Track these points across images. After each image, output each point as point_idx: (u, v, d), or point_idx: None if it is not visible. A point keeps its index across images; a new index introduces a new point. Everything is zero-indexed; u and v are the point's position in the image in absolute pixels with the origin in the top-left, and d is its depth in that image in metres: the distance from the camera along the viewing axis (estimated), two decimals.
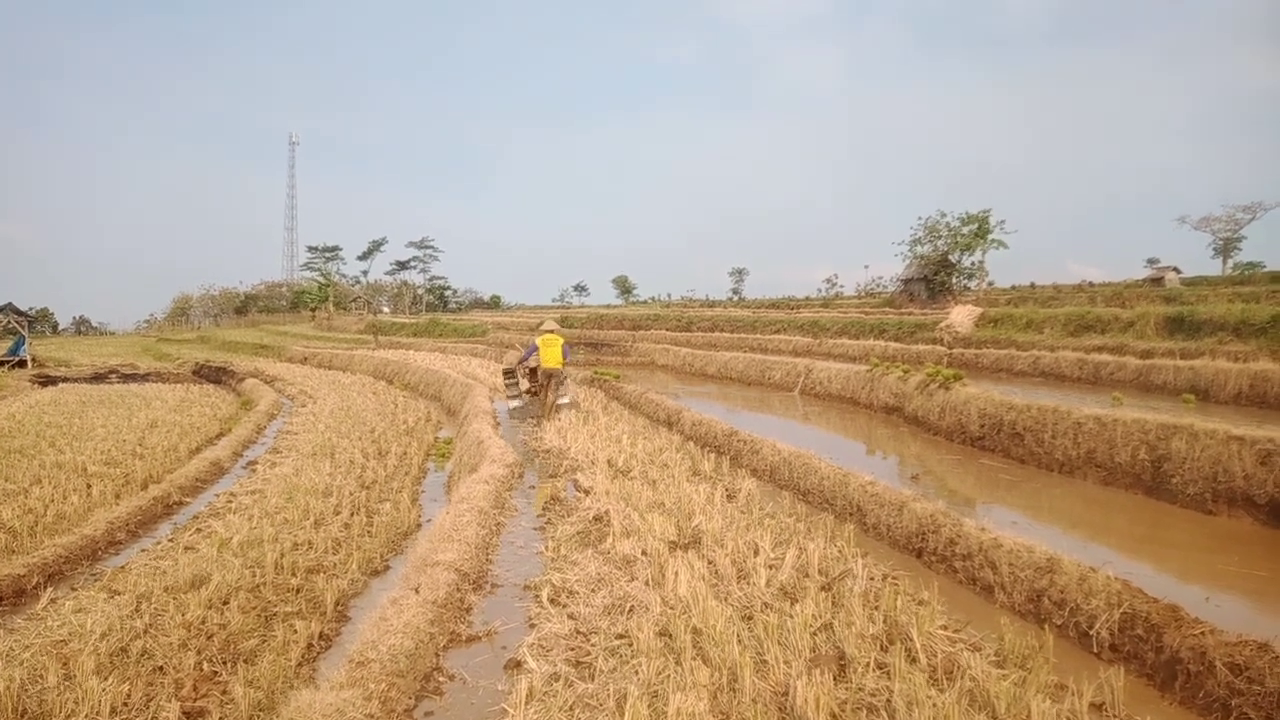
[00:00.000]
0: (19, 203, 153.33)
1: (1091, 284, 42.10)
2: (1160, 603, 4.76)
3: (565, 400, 13.59)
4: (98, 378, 27.69)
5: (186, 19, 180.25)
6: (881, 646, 4.66)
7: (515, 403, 14.19)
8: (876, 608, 5.19)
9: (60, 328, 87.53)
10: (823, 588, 5.59)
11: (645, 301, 72.71)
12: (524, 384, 14.24)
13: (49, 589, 6.31)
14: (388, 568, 6.94)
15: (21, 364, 30.76)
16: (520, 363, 14.45)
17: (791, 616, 4.96)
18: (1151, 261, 57.90)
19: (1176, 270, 43.41)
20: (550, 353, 13.51)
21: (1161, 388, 15.36)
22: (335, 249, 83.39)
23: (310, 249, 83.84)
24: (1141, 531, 7.78)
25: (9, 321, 34.35)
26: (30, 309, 55.50)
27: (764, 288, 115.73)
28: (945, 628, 4.98)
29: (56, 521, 8.22)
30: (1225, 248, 59.49)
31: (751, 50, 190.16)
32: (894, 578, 6.04)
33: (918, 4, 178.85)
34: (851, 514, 7.88)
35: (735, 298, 71.52)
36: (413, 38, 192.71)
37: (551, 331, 14.05)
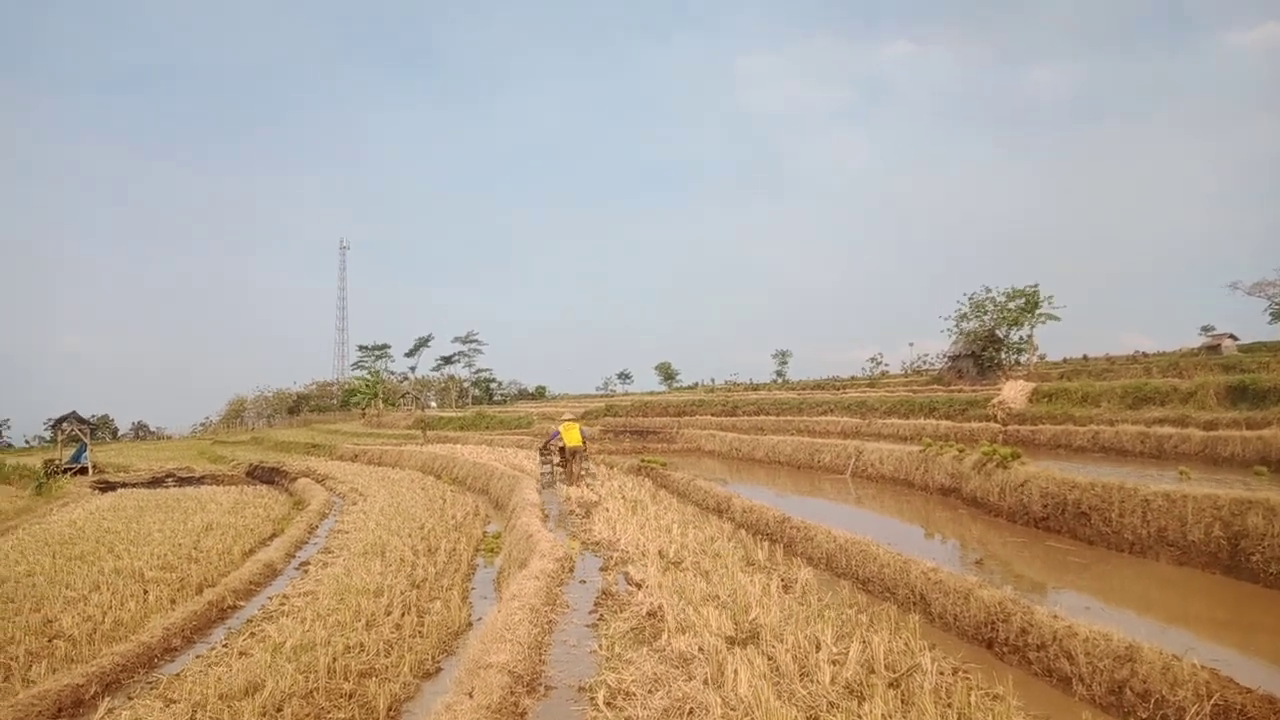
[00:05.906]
0: (85, 316, 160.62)
1: (1145, 354, 41.11)
2: (1255, 693, 4.47)
3: (590, 466, 18.24)
4: (155, 482, 28.36)
5: (234, 138, 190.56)
6: None
7: (547, 471, 18.86)
8: (949, 705, 4.93)
9: (120, 433, 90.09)
10: (891, 684, 5.35)
11: (690, 387, 72.52)
12: (555, 456, 18.75)
13: (106, 699, 6.34)
14: (440, 669, 6.85)
15: (83, 470, 31.69)
16: (549, 442, 19.10)
17: (860, 717, 4.73)
18: (1206, 329, 56.22)
19: (1233, 337, 42.12)
20: (570, 435, 17.83)
21: (1230, 460, 14.78)
22: (384, 347, 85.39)
23: (360, 348, 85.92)
24: (1223, 614, 7.36)
25: (73, 430, 35.59)
26: (92, 417, 57.38)
27: (807, 369, 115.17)
28: None
29: (114, 629, 8.32)
30: None
31: (782, 139, 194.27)
32: (965, 671, 5.76)
33: (943, 89, 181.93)
34: (915, 603, 7.60)
35: (779, 380, 71.03)
36: (455, 139, 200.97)
37: (572, 419, 19.38)
